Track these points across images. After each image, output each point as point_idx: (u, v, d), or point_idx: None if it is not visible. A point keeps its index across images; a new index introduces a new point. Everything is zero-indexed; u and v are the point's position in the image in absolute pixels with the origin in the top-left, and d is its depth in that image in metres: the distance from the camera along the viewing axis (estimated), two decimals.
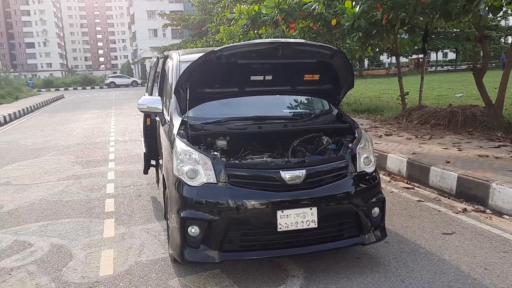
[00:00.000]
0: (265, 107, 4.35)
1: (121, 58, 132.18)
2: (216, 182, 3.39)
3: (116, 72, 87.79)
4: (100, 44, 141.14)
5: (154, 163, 6.19)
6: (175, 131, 3.79)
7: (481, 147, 7.35)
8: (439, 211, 5.23)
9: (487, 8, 7.73)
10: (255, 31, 9.38)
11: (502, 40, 50.88)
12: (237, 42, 10.89)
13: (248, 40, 10.29)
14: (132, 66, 75.50)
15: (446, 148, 7.36)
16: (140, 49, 67.19)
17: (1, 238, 4.79)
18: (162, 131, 4.61)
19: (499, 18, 45.42)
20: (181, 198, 3.44)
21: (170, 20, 37.25)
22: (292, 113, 4.41)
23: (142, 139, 6.81)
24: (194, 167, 3.44)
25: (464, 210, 5.22)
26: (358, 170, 3.65)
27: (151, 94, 6.03)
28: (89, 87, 57.19)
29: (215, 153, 3.62)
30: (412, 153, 7.13)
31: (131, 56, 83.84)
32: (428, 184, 6.32)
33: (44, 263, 4.11)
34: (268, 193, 3.37)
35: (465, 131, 8.73)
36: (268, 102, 4.40)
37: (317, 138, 4.05)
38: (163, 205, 4.51)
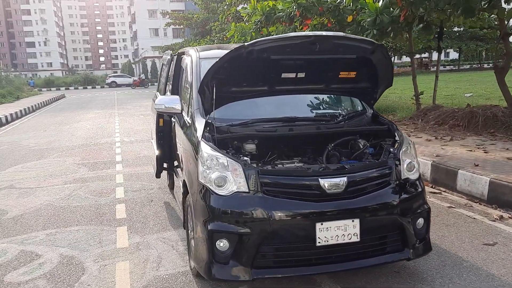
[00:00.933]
0: (293, 107, 4.02)
1: (121, 57, 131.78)
2: (247, 190, 3.05)
3: (116, 72, 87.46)
4: (100, 43, 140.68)
5: (167, 166, 5.83)
6: (199, 133, 3.45)
7: (507, 149, 7.01)
8: (474, 218, 4.90)
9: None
10: (268, 28, 9.04)
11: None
12: (264, 38, 10.59)
13: (261, 37, 9.96)
14: (133, 66, 75.10)
15: (471, 150, 7.02)
16: (142, 48, 66.83)
17: (7, 248, 4.46)
18: (180, 133, 4.27)
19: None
20: (208, 208, 3.10)
21: (173, 19, 36.87)
22: (323, 114, 4.07)
23: (153, 141, 6.48)
24: (223, 173, 3.10)
25: (501, 217, 4.88)
26: (402, 177, 3.31)
27: (164, 94, 5.69)
28: (90, 87, 56.81)
29: (245, 158, 3.28)
30: (436, 156, 6.78)
31: (132, 56, 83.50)
32: (455, 189, 5.97)
33: (54, 277, 3.77)
34: (307, 204, 3.03)
35: (486, 132, 8.39)
36: (296, 102, 4.06)
37: (351, 141, 3.71)
38: (182, 213, 4.17)
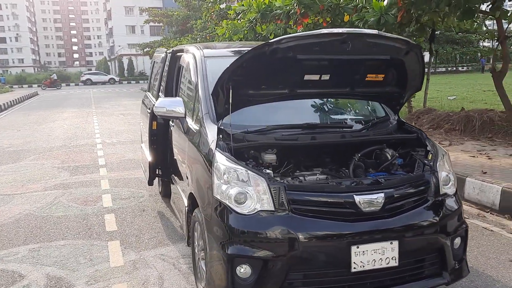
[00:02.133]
0: (312, 113, 3.65)
1: (96, 54, 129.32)
2: (273, 209, 2.66)
3: (91, 69, 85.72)
4: (74, 40, 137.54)
5: (160, 173, 5.38)
6: (211, 142, 3.04)
7: (511, 155, 6.82)
8: (491, 230, 4.63)
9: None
10: (262, 27, 8.64)
11: (481, 43, 51.46)
12: (233, 40, 10.18)
13: (254, 36, 9.55)
14: (109, 63, 73.54)
15: (474, 156, 6.80)
16: (119, 46, 65.44)
17: None
18: (182, 139, 3.84)
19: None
20: (227, 229, 2.70)
21: (152, 16, 36.01)
22: (345, 121, 3.70)
23: (144, 145, 6.02)
24: (243, 189, 2.71)
25: None
26: (440, 193, 2.98)
27: (157, 94, 5.24)
28: (64, 84, 55.25)
29: (268, 171, 2.89)
30: None
31: (108, 53, 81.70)
32: (463, 197, 5.71)
33: None
34: (341, 224, 2.67)
35: (484, 137, 8.21)
36: (315, 107, 3.69)
37: (376, 151, 3.36)
38: (184, 227, 3.75)
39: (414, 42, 3.03)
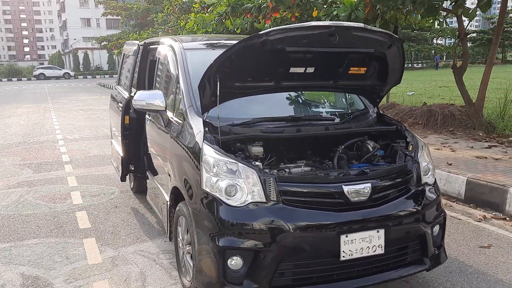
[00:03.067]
0: (294, 105, 3.68)
1: (48, 48, 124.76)
2: (264, 200, 2.68)
3: (43, 63, 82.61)
4: (25, 32, 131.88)
5: (133, 169, 5.28)
6: (198, 135, 3.02)
7: (472, 147, 7.13)
8: (459, 219, 4.84)
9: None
10: (231, 20, 8.59)
11: (435, 41, 53.42)
12: (211, 32, 10.10)
13: (223, 30, 9.50)
14: (63, 57, 71.10)
15: (439, 149, 7.06)
16: (74, 39, 63.35)
17: None
18: (162, 132, 3.79)
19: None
20: (217, 221, 2.69)
21: (110, 9, 35.03)
22: (327, 113, 3.76)
23: (114, 141, 5.89)
24: (234, 181, 2.71)
25: (484, 217, 4.86)
26: (422, 182, 3.08)
27: (130, 88, 5.12)
28: (15, 79, 53.02)
29: (257, 163, 2.90)
30: None
31: (61, 46, 78.93)
32: None
33: None
34: (331, 214, 2.72)
35: (445, 131, 8.55)
36: (297, 99, 3.73)
37: (358, 142, 3.44)
38: (166, 222, 3.70)
39: (397, 36, 3.12)
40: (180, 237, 3.34)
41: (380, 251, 2.81)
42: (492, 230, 4.49)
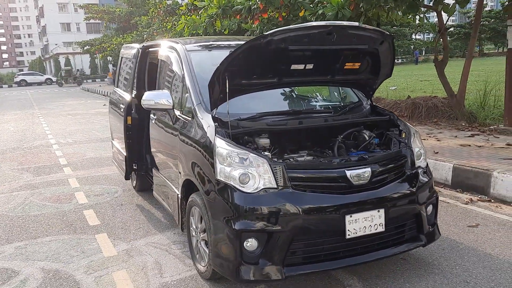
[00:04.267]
0: (294, 100, 3.95)
1: (27, 54, 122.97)
2: (275, 186, 2.93)
3: (22, 69, 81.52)
4: (2, 39, 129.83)
5: (136, 167, 5.49)
6: (209, 129, 3.26)
7: (456, 136, 7.50)
8: (448, 202, 5.16)
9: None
10: (222, 22, 8.82)
11: (414, 36, 54.31)
12: (201, 34, 10.30)
13: (214, 31, 9.72)
14: (44, 63, 70.30)
15: (424, 139, 7.40)
16: (56, 44, 62.71)
17: None
18: (170, 129, 4.01)
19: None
20: (233, 207, 2.94)
21: (92, 13, 34.87)
22: (326, 106, 4.04)
23: (115, 142, 6.09)
24: (246, 170, 2.96)
25: (471, 200, 5.19)
26: (416, 166, 3.38)
27: (131, 90, 5.33)
28: None
29: (266, 153, 3.15)
30: None
31: (42, 52, 78.01)
32: None
33: None
34: (336, 197, 2.99)
35: (430, 122, 8.92)
36: (296, 94, 3.99)
37: (355, 132, 3.72)
38: (177, 215, 3.93)
39: (388, 33, 3.40)
40: (194, 226, 3.58)
41: (381, 229, 3.09)
42: (479, 211, 4.82)
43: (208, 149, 3.19)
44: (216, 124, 3.28)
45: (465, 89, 8.76)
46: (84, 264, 3.85)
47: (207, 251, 3.29)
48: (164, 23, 17.15)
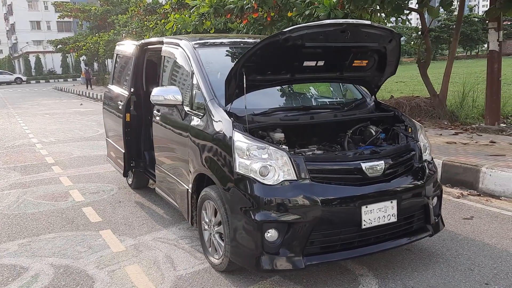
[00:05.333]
0: (303, 96, 4.05)
1: None
2: (296, 178, 3.02)
3: None
4: None
5: (134, 165, 5.49)
6: (227, 124, 3.31)
7: (441, 135, 7.77)
8: None
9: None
10: (212, 21, 8.84)
11: None
12: (189, 32, 10.29)
13: (203, 30, 9.74)
14: (13, 62, 68.37)
15: None
16: (27, 43, 61.10)
17: None
18: (179, 125, 4.04)
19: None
20: (253, 199, 3.01)
21: (66, 11, 34.13)
22: (334, 102, 4.15)
23: (111, 140, 6.06)
24: (266, 163, 3.04)
25: (462, 194, 5.41)
26: (423, 159, 3.53)
27: (130, 88, 5.32)
28: None
29: (284, 146, 3.24)
30: None
31: (10, 51, 75.87)
32: None
33: None
34: (353, 188, 3.11)
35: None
36: (305, 90, 4.10)
37: (361, 127, 3.85)
38: (187, 210, 3.97)
39: (396, 32, 3.54)
40: (206, 220, 3.63)
41: (394, 219, 3.22)
42: (471, 205, 5.04)
43: (225, 143, 3.25)
44: (232, 119, 3.34)
45: (447, 89, 9.07)
46: (94, 259, 3.85)
47: (222, 244, 3.36)
48: (145, 22, 17.04)
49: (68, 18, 35.73)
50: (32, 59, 56.93)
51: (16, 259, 3.94)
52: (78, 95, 27.91)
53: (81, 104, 20.14)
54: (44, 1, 64.97)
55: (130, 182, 6.06)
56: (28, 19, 65.32)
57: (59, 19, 40.26)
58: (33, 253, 4.04)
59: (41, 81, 52.23)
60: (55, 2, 35.48)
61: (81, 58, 45.62)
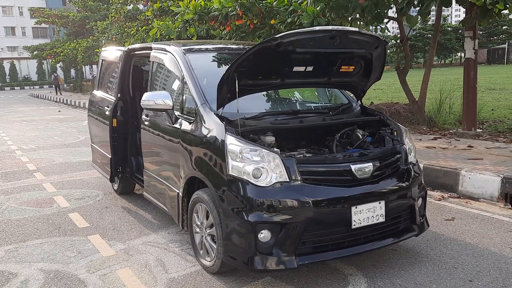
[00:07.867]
0: (291, 101, 4.13)
1: None
2: (288, 180, 3.10)
3: None
4: None
5: (120, 170, 5.49)
6: (219, 127, 3.37)
7: (420, 139, 7.97)
8: None
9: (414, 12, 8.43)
10: (196, 28, 8.89)
11: None
12: (171, 39, 10.32)
13: (187, 36, 9.78)
14: None
15: None
16: (1, 48, 59.84)
17: None
18: (170, 129, 4.07)
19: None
20: (246, 201, 3.07)
21: (44, 17, 33.59)
22: (321, 107, 4.25)
23: (96, 146, 6.04)
24: (259, 165, 3.11)
25: (442, 197, 5.58)
26: (408, 161, 3.66)
27: (117, 94, 5.33)
28: None
29: (276, 149, 3.32)
30: None
31: None
32: None
33: None
34: (343, 189, 3.21)
35: None
36: (292, 95, 4.19)
37: (348, 131, 3.96)
38: (178, 213, 4.00)
39: (382, 39, 3.67)
40: (198, 223, 3.67)
41: (382, 219, 3.33)
42: (451, 206, 5.20)
43: (217, 146, 3.31)
44: (224, 122, 3.41)
45: (426, 95, 9.32)
46: (84, 264, 3.84)
47: (215, 246, 3.40)
48: (125, 29, 16.97)
49: (45, 24, 35.20)
50: (6, 65, 55.76)
51: (4, 265, 3.90)
52: (55, 102, 27.51)
53: (59, 111, 19.87)
54: (19, 7, 63.89)
55: (116, 187, 6.04)
56: (2, 24, 63.98)
57: (35, 25, 39.64)
58: (21, 259, 4.01)
59: (16, 87, 51.24)
60: (31, 8, 34.96)
61: (58, 65, 45.04)
